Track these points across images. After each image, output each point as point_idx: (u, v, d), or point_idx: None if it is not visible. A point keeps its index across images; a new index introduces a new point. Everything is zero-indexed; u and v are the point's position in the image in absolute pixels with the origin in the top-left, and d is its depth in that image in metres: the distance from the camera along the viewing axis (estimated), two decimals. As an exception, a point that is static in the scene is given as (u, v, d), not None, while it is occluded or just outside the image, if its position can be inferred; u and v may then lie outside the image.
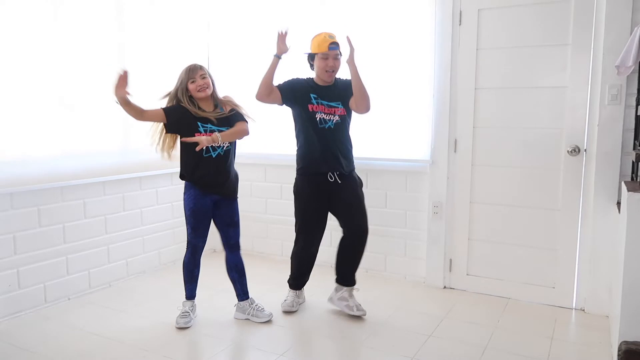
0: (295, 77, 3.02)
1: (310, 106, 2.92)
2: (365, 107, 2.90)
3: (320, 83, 2.96)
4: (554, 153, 3.14)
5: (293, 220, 3.09)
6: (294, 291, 3.16)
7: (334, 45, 2.86)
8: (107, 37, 3.39)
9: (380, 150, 3.64)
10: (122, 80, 2.57)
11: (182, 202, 4.05)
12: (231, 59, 4.20)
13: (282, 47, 2.84)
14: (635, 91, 2.80)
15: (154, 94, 3.67)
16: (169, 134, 2.80)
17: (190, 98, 2.76)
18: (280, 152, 3.91)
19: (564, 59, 3.06)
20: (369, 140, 3.62)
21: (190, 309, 2.93)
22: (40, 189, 3.07)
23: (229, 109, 2.84)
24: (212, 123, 2.75)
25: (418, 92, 3.52)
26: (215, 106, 2.82)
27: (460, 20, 3.31)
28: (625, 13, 2.81)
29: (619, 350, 2.31)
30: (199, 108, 2.76)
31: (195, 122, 2.73)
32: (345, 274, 3.06)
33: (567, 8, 3.02)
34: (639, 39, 2.49)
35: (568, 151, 3.08)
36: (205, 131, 2.73)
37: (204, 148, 2.70)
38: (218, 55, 4.24)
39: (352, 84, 2.88)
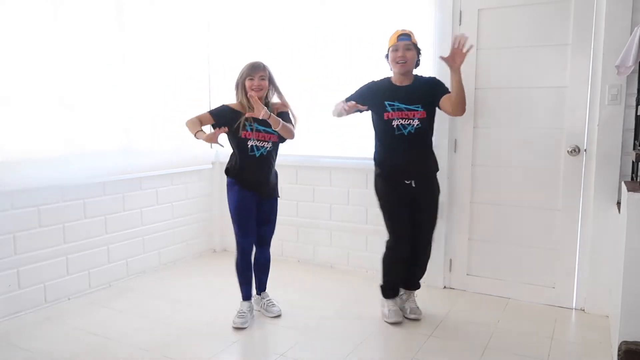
0: (371, 81, 2.96)
1: (385, 114, 2.82)
2: (462, 111, 2.81)
3: (397, 83, 2.87)
4: (554, 153, 3.14)
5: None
6: (389, 300, 2.97)
7: (404, 37, 2.79)
8: (107, 37, 3.39)
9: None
10: (215, 136, 2.73)
11: (181, 203, 4.12)
12: (231, 59, 4.19)
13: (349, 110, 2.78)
14: (635, 91, 2.79)
15: (154, 94, 3.72)
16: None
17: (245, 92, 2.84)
18: (280, 152, 3.90)
19: (564, 59, 3.06)
20: (370, 139, 3.61)
21: (248, 309, 2.94)
22: (40, 189, 3.07)
23: (276, 112, 2.87)
24: (257, 122, 2.82)
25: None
26: (266, 106, 2.85)
27: (460, 20, 3.31)
28: (625, 13, 2.81)
29: (619, 350, 2.31)
30: (248, 104, 2.81)
31: (241, 119, 2.82)
32: (404, 278, 3.03)
33: (567, 8, 3.02)
34: (639, 39, 2.49)
35: (568, 151, 3.08)
36: (251, 130, 2.81)
37: (249, 146, 2.81)
38: (218, 55, 4.23)
39: (455, 90, 2.71)
